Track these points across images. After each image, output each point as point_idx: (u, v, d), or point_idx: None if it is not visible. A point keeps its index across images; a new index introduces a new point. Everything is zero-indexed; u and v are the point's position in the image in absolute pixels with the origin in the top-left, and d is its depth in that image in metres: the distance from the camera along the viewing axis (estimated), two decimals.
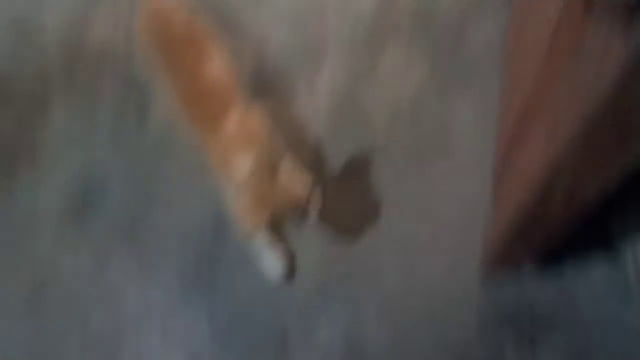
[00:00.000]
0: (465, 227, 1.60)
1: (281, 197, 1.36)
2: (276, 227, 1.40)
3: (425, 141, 1.73)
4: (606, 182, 0.82)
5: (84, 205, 1.76)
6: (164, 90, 1.49)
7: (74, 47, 1.94)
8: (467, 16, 1.83)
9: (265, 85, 1.76)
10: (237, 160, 1.35)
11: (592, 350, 1.51)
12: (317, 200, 1.41)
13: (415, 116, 1.75)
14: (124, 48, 1.90)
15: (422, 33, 1.84)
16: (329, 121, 1.76)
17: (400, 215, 1.65)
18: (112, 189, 1.78)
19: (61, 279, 1.70)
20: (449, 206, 1.65)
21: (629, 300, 1.53)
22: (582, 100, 0.74)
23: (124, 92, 1.87)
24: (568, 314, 1.55)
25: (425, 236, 1.63)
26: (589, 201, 0.91)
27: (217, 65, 1.44)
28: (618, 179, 0.81)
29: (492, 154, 1.58)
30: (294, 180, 1.37)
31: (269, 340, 1.58)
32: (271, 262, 1.56)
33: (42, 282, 1.70)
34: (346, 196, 1.68)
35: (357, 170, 1.68)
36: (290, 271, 1.57)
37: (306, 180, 1.39)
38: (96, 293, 1.68)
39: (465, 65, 1.79)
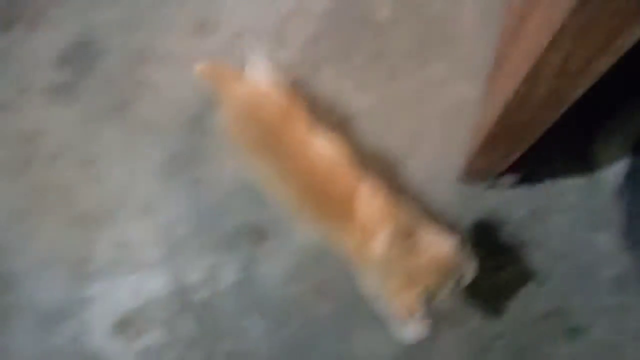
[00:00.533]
0: (450, 132, 1.62)
1: (431, 267, 1.19)
2: (430, 301, 1.19)
3: (426, 39, 1.73)
4: (590, 77, 0.80)
5: (78, 68, 1.78)
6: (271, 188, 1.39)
7: None
8: None
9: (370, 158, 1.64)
10: (377, 241, 1.21)
11: (559, 272, 1.56)
12: (471, 259, 1.23)
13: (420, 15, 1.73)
14: None
15: None
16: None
17: (387, 110, 1.66)
18: (107, 56, 1.79)
19: (48, 138, 1.73)
20: (439, 107, 1.66)
21: (602, 227, 1.56)
22: None
23: None
24: (539, 234, 1.58)
25: (409, 136, 1.64)
26: (570, 99, 0.90)
27: (326, 145, 1.31)
28: (599, 76, 0.79)
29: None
30: (439, 245, 1.21)
31: (246, 231, 1.60)
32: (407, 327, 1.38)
33: (28, 139, 1.73)
34: None
35: None
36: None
37: (452, 241, 1.22)
38: (80, 159, 1.71)
39: None
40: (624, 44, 0.71)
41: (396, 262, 1.19)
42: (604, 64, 0.76)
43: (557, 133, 1.51)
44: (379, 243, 1.19)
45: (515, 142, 1.18)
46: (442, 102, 1.66)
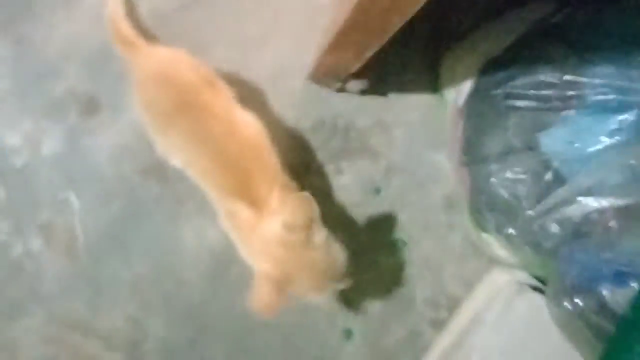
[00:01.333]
0: (306, 30, 1.56)
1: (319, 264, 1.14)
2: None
3: None
4: None
5: None
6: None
7: None
8: None
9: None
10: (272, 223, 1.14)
11: (394, 184, 1.58)
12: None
13: None
14: None
15: None
16: None
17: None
18: None
19: None
20: (296, 6, 1.58)
21: (440, 146, 1.60)
22: None
23: None
24: (379, 144, 1.59)
25: (263, 28, 1.57)
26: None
27: (247, 119, 1.22)
28: None
29: None
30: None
31: (77, 100, 1.51)
32: None
33: None
34: None
35: None
36: None
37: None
38: None
39: None
40: None
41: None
42: None
43: (407, 46, 1.52)
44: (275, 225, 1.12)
45: (367, 37, 1.14)
46: None
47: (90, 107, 1.50)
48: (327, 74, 1.43)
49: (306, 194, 1.09)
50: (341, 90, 1.51)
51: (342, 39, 1.20)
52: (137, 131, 1.47)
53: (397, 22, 1.04)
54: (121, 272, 1.46)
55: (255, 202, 1.16)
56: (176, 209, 1.48)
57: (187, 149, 1.22)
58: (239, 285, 1.42)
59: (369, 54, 1.23)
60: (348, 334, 1.49)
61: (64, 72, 1.50)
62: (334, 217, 1.50)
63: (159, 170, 1.47)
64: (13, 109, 1.49)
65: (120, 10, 1.35)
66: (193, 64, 1.24)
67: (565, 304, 1.12)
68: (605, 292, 1.09)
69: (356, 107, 1.56)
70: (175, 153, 1.26)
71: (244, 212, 1.16)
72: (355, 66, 1.32)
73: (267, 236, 1.13)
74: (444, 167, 1.56)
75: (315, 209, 1.09)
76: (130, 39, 1.31)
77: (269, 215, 1.15)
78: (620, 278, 1.10)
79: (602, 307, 1.09)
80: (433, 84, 1.57)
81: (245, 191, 1.17)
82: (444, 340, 1.37)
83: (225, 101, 1.21)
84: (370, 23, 1.07)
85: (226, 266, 1.44)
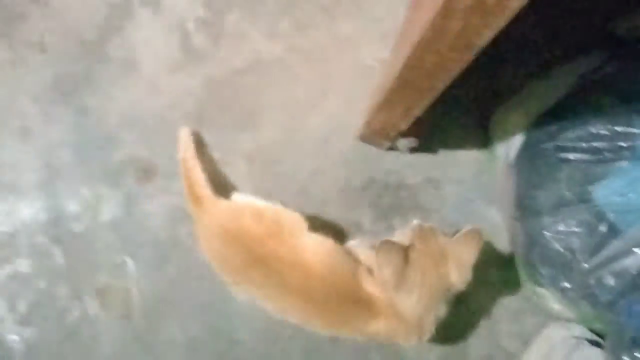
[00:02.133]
0: (355, 91, 1.59)
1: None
2: None
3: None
4: (503, 14, 0.77)
5: None
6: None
7: None
8: None
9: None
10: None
11: None
12: None
13: None
14: None
15: None
16: None
17: (293, 62, 1.62)
18: None
19: None
20: (346, 65, 1.63)
21: (493, 201, 1.58)
22: None
23: None
24: (431, 201, 1.58)
25: (314, 90, 1.60)
26: (479, 41, 0.87)
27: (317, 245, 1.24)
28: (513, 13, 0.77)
29: None
30: None
31: (134, 167, 1.57)
32: None
33: None
34: None
35: None
36: None
37: None
38: None
39: None
40: None
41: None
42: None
43: (456, 103, 1.53)
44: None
45: (415, 96, 1.15)
46: (349, 60, 1.63)
47: (147, 173, 1.54)
48: (376, 133, 1.45)
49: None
50: (391, 149, 1.51)
51: (391, 97, 1.21)
52: None
53: (444, 80, 1.04)
54: (176, 335, 1.48)
55: (369, 306, 1.19)
56: None
57: (266, 297, 1.23)
58: (293, 345, 1.44)
59: (417, 112, 1.23)
60: None
61: (122, 140, 1.56)
62: None
63: None
64: (74, 177, 1.54)
65: (197, 166, 1.38)
66: (256, 213, 1.25)
67: (625, 357, 1.10)
68: None
69: (406, 165, 1.57)
70: (255, 299, 1.26)
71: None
72: (404, 125, 1.33)
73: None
74: (496, 222, 1.54)
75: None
76: (200, 195, 1.33)
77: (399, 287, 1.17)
78: None
79: None
80: (482, 140, 1.56)
81: (349, 308, 1.20)
82: None
83: (292, 246, 1.21)
84: (417, 81, 1.07)
85: (280, 324, 1.42)
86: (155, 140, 1.54)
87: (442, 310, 1.22)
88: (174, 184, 1.50)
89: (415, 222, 1.22)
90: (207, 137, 1.53)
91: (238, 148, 1.54)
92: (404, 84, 1.11)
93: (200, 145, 1.50)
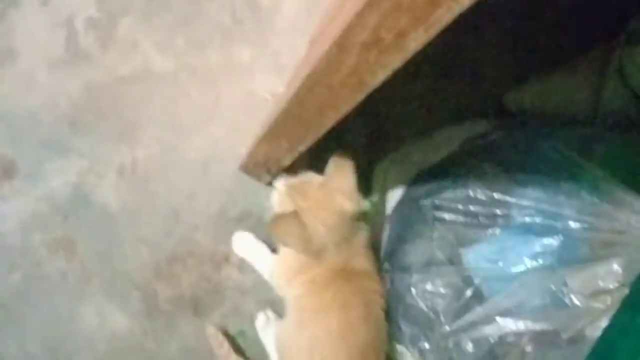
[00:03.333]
0: (244, 120, 1.56)
1: None
2: None
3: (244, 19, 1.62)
4: (400, 53, 0.74)
5: None
6: None
7: None
8: None
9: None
10: None
11: None
12: None
13: None
14: None
15: None
16: None
17: (184, 79, 1.55)
18: None
19: None
20: (239, 91, 1.58)
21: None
22: None
23: None
24: None
25: (201, 112, 1.55)
26: (372, 80, 0.84)
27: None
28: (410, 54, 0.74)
29: None
30: None
31: None
32: None
33: None
34: None
35: None
36: None
37: None
38: None
39: None
40: (440, 19, 0.65)
41: None
42: (414, 40, 0.71)
43: (343, 148, 1.50)
44: None
45: (301, 131, 1.13)
46: (241, 88, 1.58)
47: (6, 172, 1.41)
48: (258, 166, 1.40)
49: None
50: (271, 184, 1.46)
51: (277, 129, 1.19)
52: (53, 202, 1.41)
53: (331, 118, 1.01)
54: (10, 349, 1.35)
55: None
56: (81, 287, 1.38)
57: None
58: None
59: (302, 147, 1.20)
60: None
61: None
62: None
63: (69, 244, 1.38)
64: None
65: None
66: None
67: None
68: None
69: None
70: None
71: None
72: (288, 160, 1.29)
73: None
74: None
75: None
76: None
77: None
78: None
79: None
80: (363, 189, 1.52)
81: None
82: None
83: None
84: (305, 115, 1.05)
85: (124, 354, 1.34)
86: (23, 139, 1.43)
87: (363, 233, 1.23)
88: (35, 188, 1.40)
89: (279, 183, 1.23)
90: (78, 143, 1.42)
91: (111, 159, 1.46)
92: (291, 116, 1.08)
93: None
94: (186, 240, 1.41)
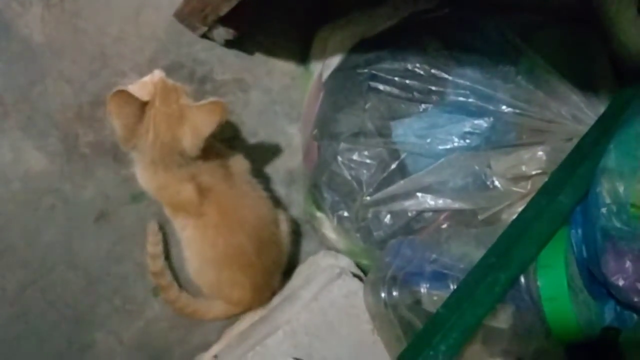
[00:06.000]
0: None
1: None
2: None
3: None
4: None
5: None
6: None
7: None
8: None
9: None
10: None
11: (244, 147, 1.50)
12: None
13: None
14: None
15: None
16: None
17: None
18: None
19: None
20: None
21: (294, 120, 1.56)
22: None
23: None
24: (233, 102, 1.51)
25: None
26: None
27: None
28: None
29: None
30: None
31: None
32: None
33: None
34: None
35: None
36: None
37: None
38: None
39: None
40: None
41: None
42: None
43: (285, 9, 1.45)
44: None
45: None
46: None
47: None
48: (194, 13, 1.34)
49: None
50: (206, 37, 1.40)
51: None
52: None
53: None
54: None
55: None
56: None
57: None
58: (49, 217, 1.34)
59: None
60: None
61: None
62: None
63: None
64: None
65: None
66: None
67: (382, 294, 1.12)
68: (422, 290, 1.10)
69: (218, 59, 1.48)
70: None
71: None
72: (225, 8, 1.25)
73: None
74: (294, 141, 1.52)
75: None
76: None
77: None
78: (439, 279, 1.10)
79: (416, 303, 1.10)
80: (302, 55, 1.51)
81: None
82: (254, 313, 1.30)
83: None
84: None
85: (38, 194, 1.30)
86: None
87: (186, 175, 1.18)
88: None
89: (157, 72, 1.16)
90: None
91: None
92: None
93: None
94: (112, 85, 1.32)
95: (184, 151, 1.14)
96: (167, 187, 1.19)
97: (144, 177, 1.20)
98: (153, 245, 1.33)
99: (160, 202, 1.25)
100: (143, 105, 1.10)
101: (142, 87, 1.13)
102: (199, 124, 1.12)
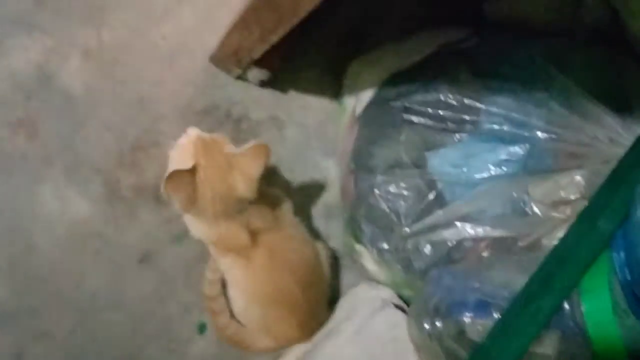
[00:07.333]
0: (216, 11, 1.47)
1: None
2: None
3: None
4: None
5: None
6: None
7: None
8: None
9: None
10: None
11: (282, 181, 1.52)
12: None
13: None
14: None
15: None
16: None
17: None
18: None
19: None
20: None
21: (330, 154, 1.57)
22: None
23: None
24: (270, 140, 1.52)
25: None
26: None
27: None
28: None
29: None
30: None
31: None
32: None
33: None
34: None
35: None
36: None
37: None
38: None
39: None
40: None
41: None
42: None
43: (317, 46, 1.47)
44: None
45: (274, 18, 1.11)
46: None
47: None
48: (229, 57, 1.37)
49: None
50: (240, 78, 1.43)
51: (250, 16, 1.18)
52: (15, 81, 1.36)
53: (307, 6, 1.00)
54: None
55: None
56: (42, 169, 1.35)
57: None
58: (94, 261, 1.36)
59: (275, 38, 1.18)
60: (202, 327, 1.38)
61: None
62: None
63: (30, 125, 1.35)
64: None
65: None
66: None
67: (425, 325, 1.11)
68: (465, 320, 1.09)
69: (253, 99, 1.50)
70: None
71: None
72: (259, 51, 1.27)
73: None
74: (330, 175, 1.54)
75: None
76: None
77: None
78: (482, 308, 1.09)
79: (460, 333, 1.08)
80: (335, 89, 1.53)
81: None
82: (299, 347, 1.30)
83: None
84: (280, 1, 1.03)
85: (83, 240, 1.32)
86: None
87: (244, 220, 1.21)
88: None
89: (191, 130, 1.18)
90: (43, 20, 1.37)
91: (76, 42, 1.40)
92: (265, 1, 1.06)
93: None
94: (151, 130, 1.38)
95: (241, 197, 1.16)
96: (228, 234, 1.20)
97: (204, 230, 1.22)
98: (212, 271, 1.35)
99: (207, 243, 1.25)
100: (192, 171, 1.12)
101: (182, 151, 1.16)
102: (246, 169, 1.15)
